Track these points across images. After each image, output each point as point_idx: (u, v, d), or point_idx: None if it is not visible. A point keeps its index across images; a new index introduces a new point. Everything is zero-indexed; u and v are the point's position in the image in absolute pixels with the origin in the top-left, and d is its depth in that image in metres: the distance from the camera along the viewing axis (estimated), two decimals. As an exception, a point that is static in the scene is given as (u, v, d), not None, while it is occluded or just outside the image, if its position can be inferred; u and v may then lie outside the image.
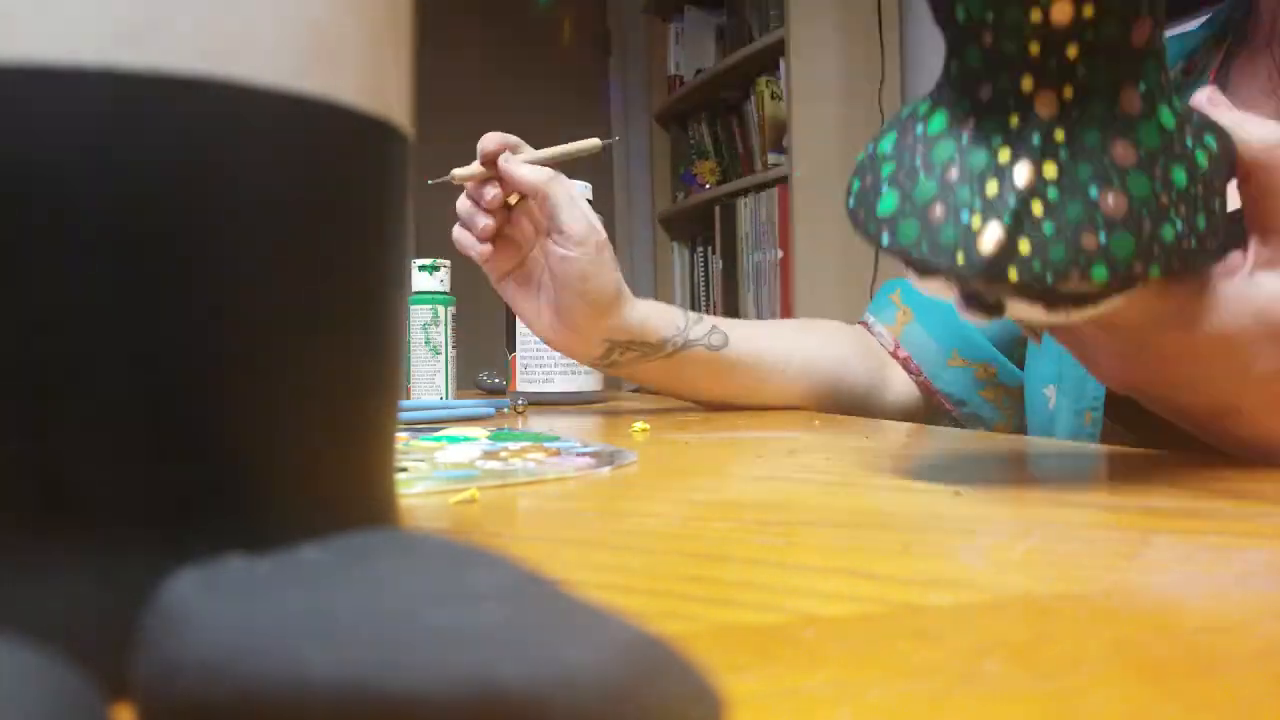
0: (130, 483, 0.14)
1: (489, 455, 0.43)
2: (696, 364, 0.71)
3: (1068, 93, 0.31)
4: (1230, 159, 0.35)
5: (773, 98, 2.42)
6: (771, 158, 2.40)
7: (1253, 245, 0.37)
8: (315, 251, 0.16)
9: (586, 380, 0.87)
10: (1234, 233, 0.36)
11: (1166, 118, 0.32)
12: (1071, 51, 0.31)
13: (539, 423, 0.66)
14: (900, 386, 0.78)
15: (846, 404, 0.76)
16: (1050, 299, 0.31)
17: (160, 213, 0.14)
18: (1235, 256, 0.37)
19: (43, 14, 0.14)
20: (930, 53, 2.22)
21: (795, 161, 2.13)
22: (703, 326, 0.72)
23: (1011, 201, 0.30)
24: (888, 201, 0.32)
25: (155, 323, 0.14)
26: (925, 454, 0.46)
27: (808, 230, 2.10)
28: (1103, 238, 0.30)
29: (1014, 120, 0.31)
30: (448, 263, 0.89)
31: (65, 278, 0.14)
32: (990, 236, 0.30)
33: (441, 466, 0.40)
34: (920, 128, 0.33)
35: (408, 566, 0.12)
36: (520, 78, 2.94)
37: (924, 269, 0.31)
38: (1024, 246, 0.30)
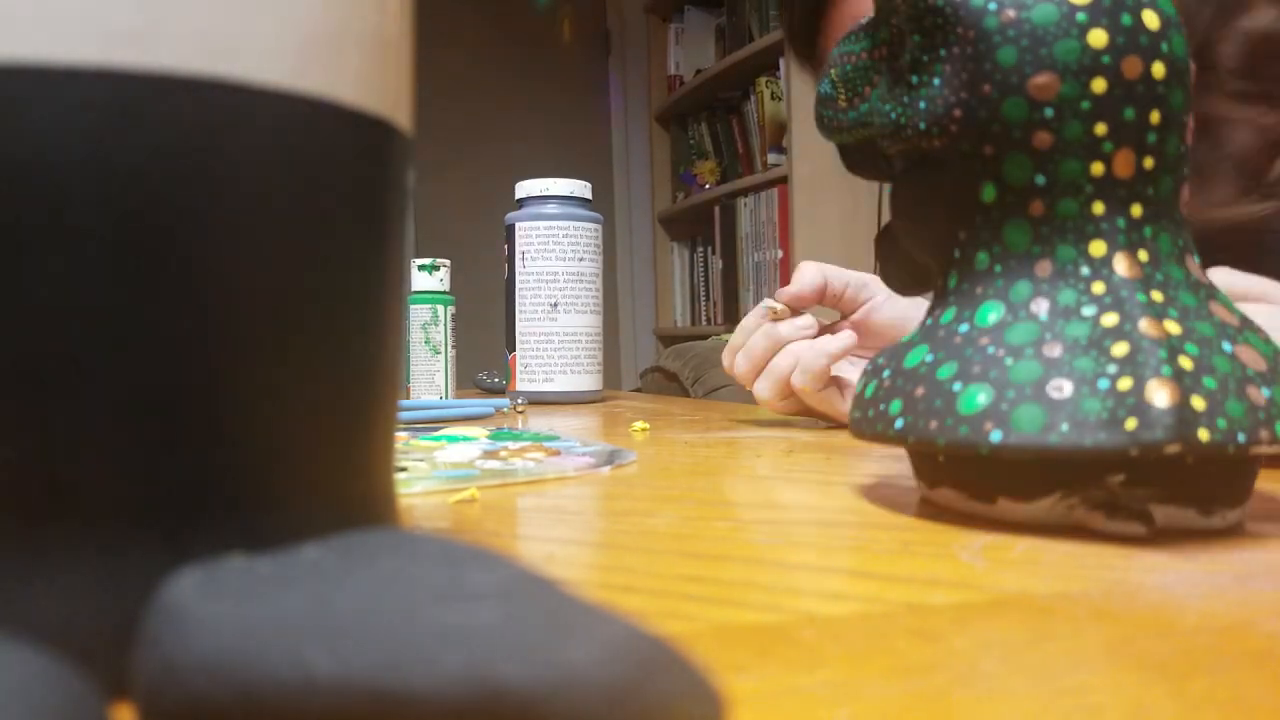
0: (130, 482, 0.14)
1: (489, 455, 0.43)
2: None
3: (1142, 255, 0.28)
4: None
5: (773, 98, 2.42)
6: (771, 157, 2.40)
7: None
8: (314, 251, 0.16)
9: (586, 380, 0.87)
10: None
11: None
12: (1136, 210, 0.28)
13: (539, 422, 0.66)
14: None
15: None
16: (1219, 479, 0.27)
17: (160, 212, 0.14)
18: None
19: (43, 14, 0.14)
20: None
21: (795, 161, 2.13)
22: None
23: (1162, 353, 0.26)
24: (970, 399, 0.27)
25: (155, 322, 0.14)
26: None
27: (807, 230, 2.10)
28: (1265, 392, 0.27)
29: (1098, 286, 0.28)
30: (448, 262, 0.89)
31: (65, 277, 0.14)
32: (1163, 391, 0.25)
33: (441, 466, 0.40)
34: (964, 327, 0.29)
35: (408, 566, 0.12)
36: (520, 78, 2.94)
37: (1070, 454, 0.25)
38: (1198, 402, 0.25)
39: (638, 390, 1.55)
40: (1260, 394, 0.27)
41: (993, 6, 0.28)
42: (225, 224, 0.15)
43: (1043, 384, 0.26)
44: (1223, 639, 0.17)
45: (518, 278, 0.86)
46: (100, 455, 0.14)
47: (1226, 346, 0.27)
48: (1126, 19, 0.28)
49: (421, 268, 0.86)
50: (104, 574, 0.14)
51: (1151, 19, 0.29)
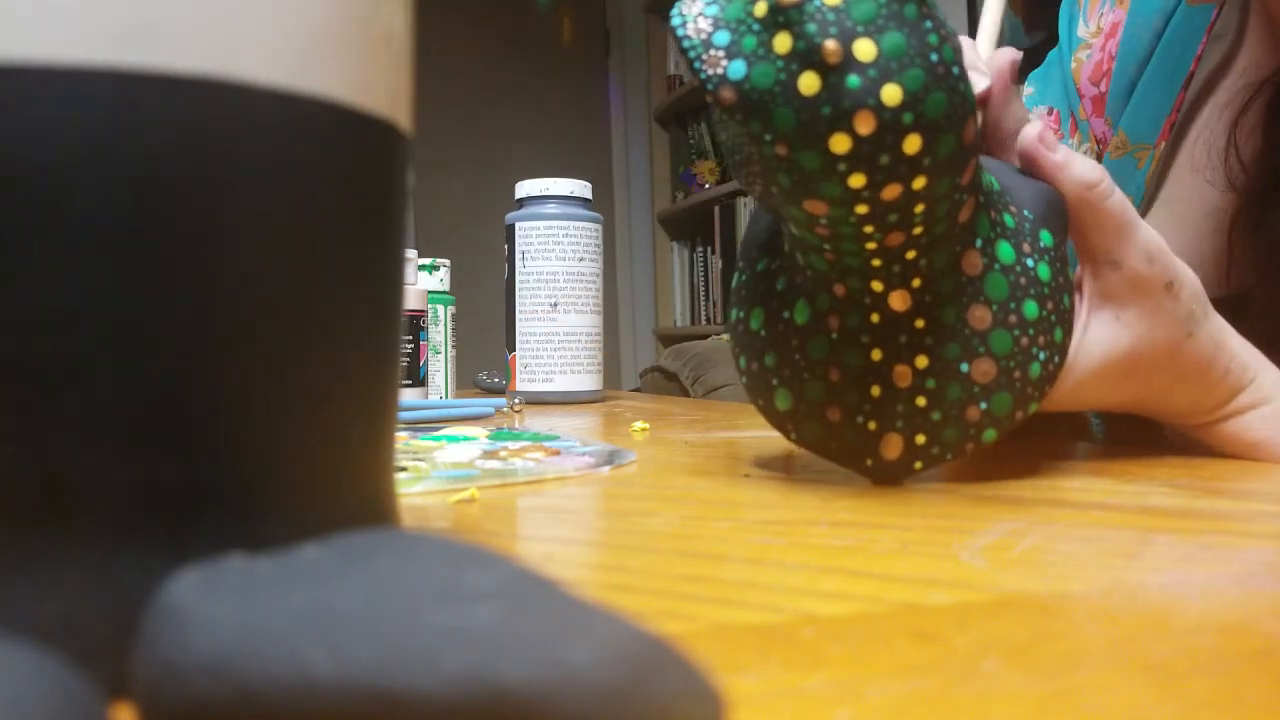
0: (130, 482, 0.14)
1: (489, 455, 0.43)
2: None
3: (915, 283, 0.32)
4: (1062, 211, 0.36)
5: (773, 98, 2.41)
6: (771, 158, 2.39)
7: (1085, 281, 0.38)
8: (314, 251, 0.16)
9: (586, 380, 0.87)
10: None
11: (1006, 253, 0.33)
12: (910, 254, 0.32)
13: (538, 422, 0.66)
14: None
15: None
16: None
17: (160, 212, 0.14)
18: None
19: (43, 14, 0.14)
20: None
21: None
22: None
23: (900, 407, 0.33)
24: (782, 399, 0.35)
25: (155, 322, 0.14)
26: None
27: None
28: (984, 405, 0.33)
29: (875, 317, 0.33)
30: (447, 262, 0.89)
31: (65, 277, 0.14)
32: (892, 446, 0.33)
33: (441, 466, 0.40)
34: (787, 313, 0.35)
35: (408, 566, 0.12)
36: (520, 77, 2.94)
37: (839, 464, 0.34)
38: (921, 439, 0.33)
39: (638, 390, 1.55)
40: (978, 409, 0.33)
41: None
42: (224, 224, 0.15)
43: (824, 405, 0.34)
44: (1223, 639, 0.17)
45: (518, 278, 0.87)
46: (100, 455, 0.14)
47: (965, 368, 0.33)
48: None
49: (421, 268, 0.86)
50: (104, 574, 0.14)
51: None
